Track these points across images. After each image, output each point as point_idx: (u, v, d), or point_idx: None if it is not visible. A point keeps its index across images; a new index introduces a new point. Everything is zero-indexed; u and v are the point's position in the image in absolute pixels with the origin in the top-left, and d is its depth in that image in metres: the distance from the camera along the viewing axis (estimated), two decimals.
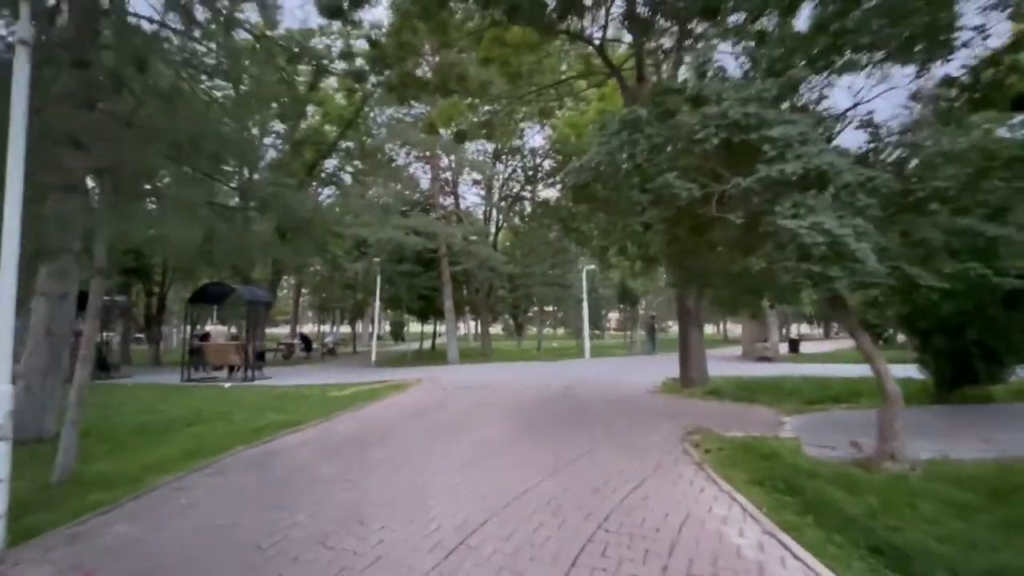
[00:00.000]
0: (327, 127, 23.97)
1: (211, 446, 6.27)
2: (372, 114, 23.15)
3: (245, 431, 7.24)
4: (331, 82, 23.13)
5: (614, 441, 5.98)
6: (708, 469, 4.94)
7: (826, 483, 4.29)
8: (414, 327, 41.19)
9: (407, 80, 11.56)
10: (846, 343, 31.07)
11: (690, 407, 8.08)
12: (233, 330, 19.34)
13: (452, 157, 26.98)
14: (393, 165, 25.89)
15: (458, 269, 21.41)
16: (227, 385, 13.97)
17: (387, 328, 52.35)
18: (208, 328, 19.90)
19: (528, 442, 5.88)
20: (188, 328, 15.42)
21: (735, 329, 60.42)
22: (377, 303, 21.31)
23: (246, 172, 14.03)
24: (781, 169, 3.78)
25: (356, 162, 24.84)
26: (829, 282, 3.83)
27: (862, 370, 12.35)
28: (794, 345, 19.45)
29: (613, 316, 52.04)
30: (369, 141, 20.62)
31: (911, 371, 10.12)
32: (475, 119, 13.07)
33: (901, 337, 24.55)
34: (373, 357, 20.62)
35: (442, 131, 21.49)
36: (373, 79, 12.30)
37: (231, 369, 15.25)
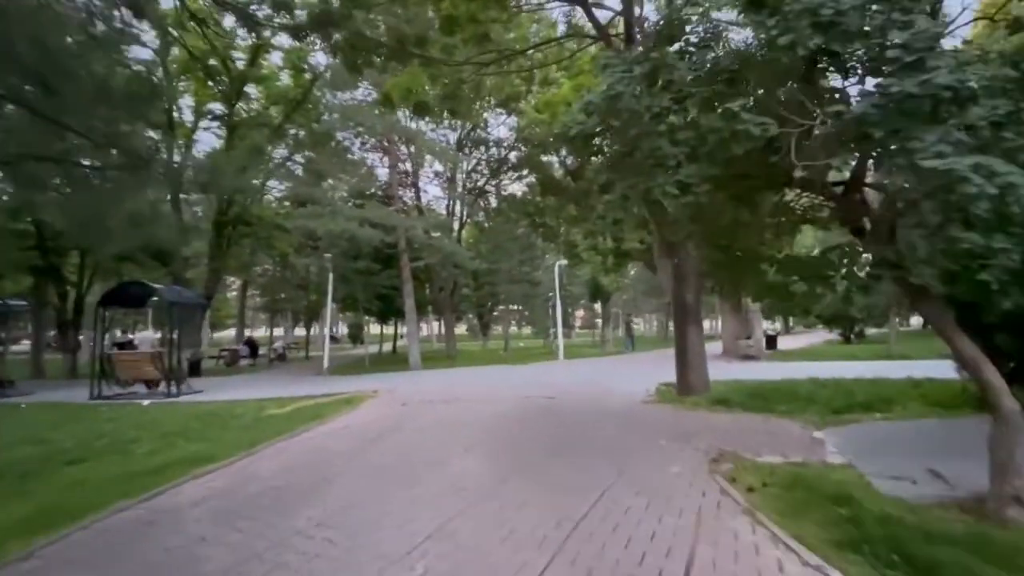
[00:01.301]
0: (272, 110, 21.69)
1: (78, 502, 4.51)
2: (323, 97, 21.02)
3: (139, 472, 5.46)
4: (275, 59, 20.92)
5: (627, 478, 4.56)
6: (768, 523, 3.58)
7: (958, 550, 3.00)
8: (374, 328, 39.00)
9: (357, 42, 9.82)
10: (812, 337, 31.16)
11: (699, 422, 6.78)
12: (157, 336, 16.88)
13: (412, 147, 25.15)
14: (349, 156, 23.77)
15: (419, 265, 19.63)
16: (146, 403, 11.86)
17: (344, 330, 49.59)
18: (134, 335, 17.36)
19: (515, 486, 4.37)
20: (99, 335, 13.00)
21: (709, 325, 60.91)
22: (330, 304, 19.27)
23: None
24: (925, 81, 2.42)
25: (307, 152, 22.58)
26: (992, 256, 2.51)
27: (866, 369, 11.58)
28: (771, 342, 18.77)
29: (578, 314, 51.23)
30: (318, 126, 18.53)
31: (906, 369, 9.34)
32: (437, 91, 11.46)
33: (871, 331, 24.60)
34: (325, 363, 18.61)
35: (400, 112, 19.70)
36: (317, 41, 10.51)
37: (150, 384, 12.99)
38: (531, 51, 10.23)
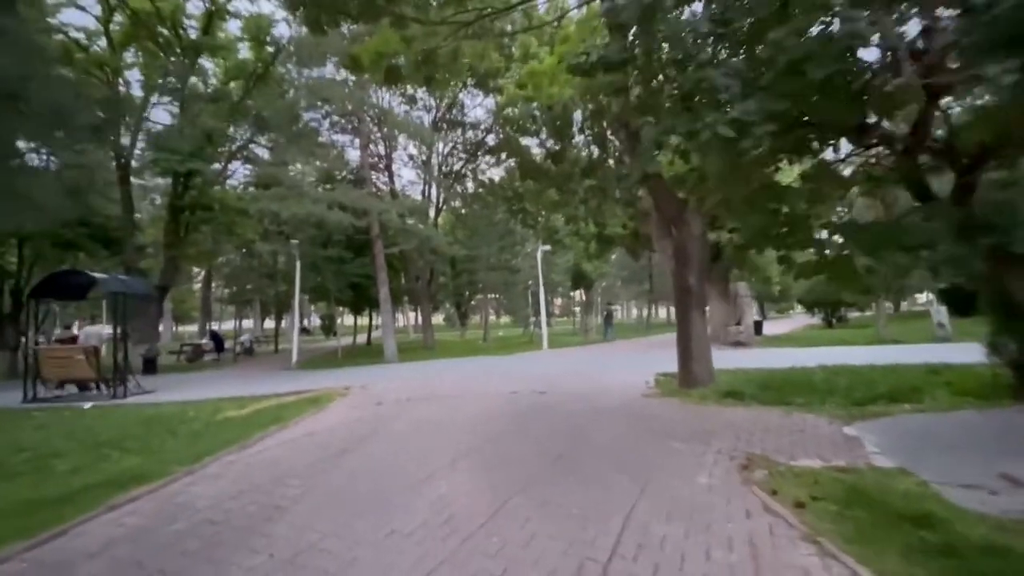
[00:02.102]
0: (232, 86, 20.03)
1: None
2: (288, 74, 19.47)
3: (49, 500, 4.45)
4: (233, 27, 19.24)
5: (650, 495, 3.76)
6: (841, 554, 2.83)
7: None
8: (349, 319, 37.64)
9: None
10: (791, 323, 31.17)
11: (713, 418, 6.04)
12: (108, 330, 15.30)
13: (384, 128, 23.79)
14: (318, 140, 22.24)
15: (394, 251, 18.50)
16: (87, 406, 10.59)
17: (317, 322, 47.87)
18: (77, 330, 15.77)
19: (517, 513, 3.51)
20: (31, 330, 11.56)
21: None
22: (298, 294, 18.00)
23: None
24: None
25: (271, 134, 20.96)
26: None
27: (866, 354, 11.02)
28: (757, 327, 18.38)
29: (556, 302, 50.66)
30: (282, 102, 17.07)
31: (904, 353, 8.66)
32: (412, 57, 10.37)
33: (854, 314, 24.65)
34: (294, 358, 17.41)
35: (372, 89, 18.39)
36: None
37: (83, 385, 11.60)
38: (518, 5, 9.23)
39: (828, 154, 3.39)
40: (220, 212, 18.19)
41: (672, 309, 55.06)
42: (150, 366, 17.26)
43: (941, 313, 13.33)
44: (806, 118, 2.93)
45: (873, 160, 3.73)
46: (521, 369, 12.16)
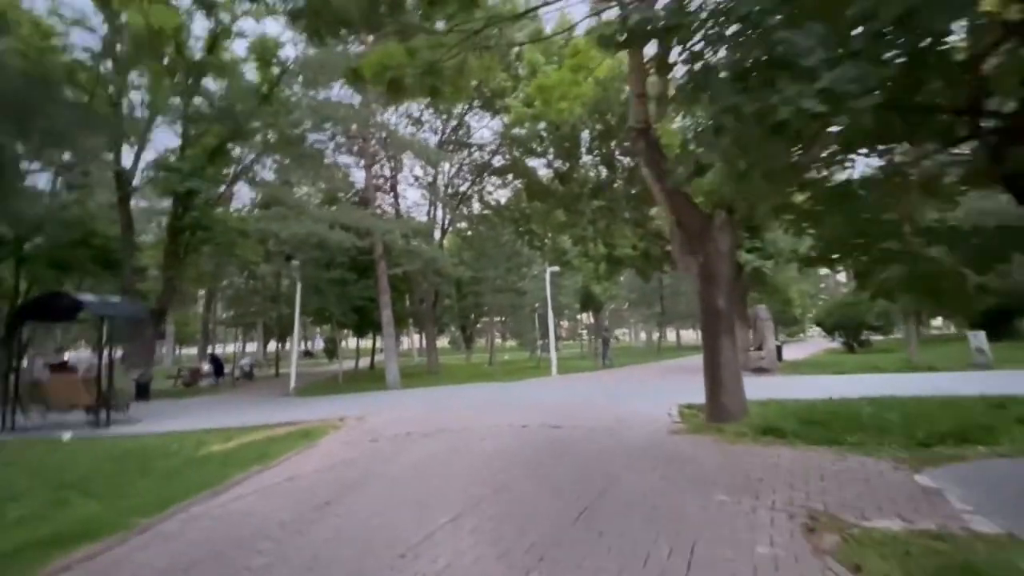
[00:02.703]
0: (238, 107, 19.83)
1: None
2: (293, 96, 19.27)
3: None
4: (239, 49, 19.13)
5: (699, 567, 2.99)
6: None
7: None
8: (353, 342, 36.96)
9: (320, 6, 8.27)
10: (806, 347, 30.00)
11: (755, 460, 5.25)
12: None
13: (390, 150, 23.54)
14: (322, 160, 21.97)
15: (398, 272, 17.92)
16: (67, 437, 9.94)
17: (320, 345, 47.20)
18: (69, 356, 15.19)
19: None
20: (11, 354, 10.96)
21: (689, 336, 59.55)
22: (298, 317, 17.38)
23: None
24: None
25: (277, 156, 20.65)
26: None
27: (902, 383, 10.16)
28: (778, 352, 17.49)
29: (563, 325, 49.77)
30: (286, 120, 16.77)
31: (943, 382, 7.98)
32: (416, 70, 9.94)
33: (876, 338, 23.64)
34: (292, 383, 16.68)
35: (377, 109, 18.11)
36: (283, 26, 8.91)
37: (88, 410, 11.05)
38: (526, 14, 8.80)
39: (925, 142, 2.75)
40: (220, 233, 17.76)
41: (683, 333, 53.76)
42: (143, 391, 16.58)
43: (979, 338, 12.46)
44: (913, 95, 2.29)
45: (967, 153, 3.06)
46: (530, 398, 11.37)
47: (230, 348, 60.83)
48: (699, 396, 9.16)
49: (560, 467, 5.27)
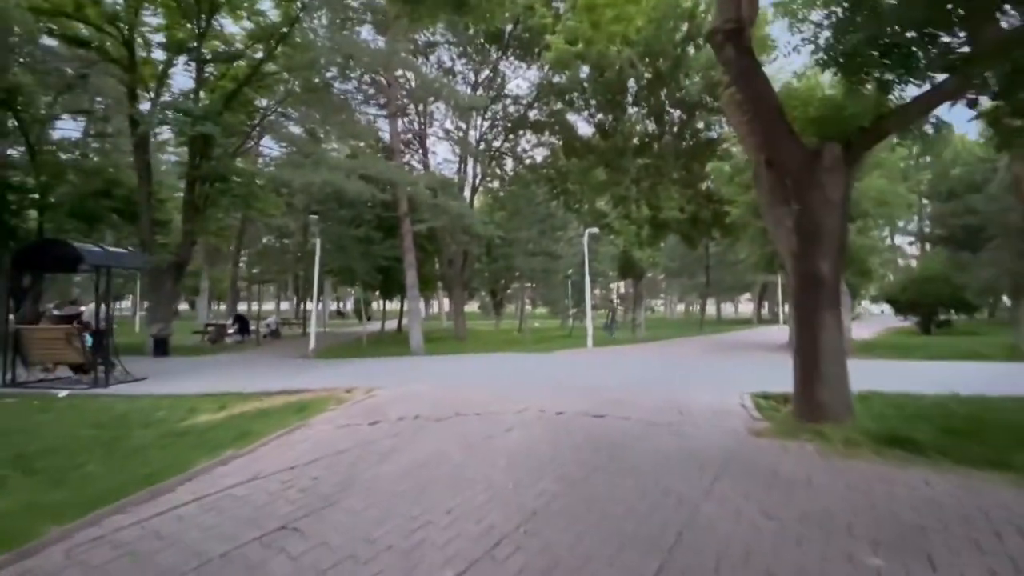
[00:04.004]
0: (256, 46, 18.38)
1: None
2: (311, 30, 17.62)
3: None
4: None
5: None
6: None
7: None
8: (385, 304, 36.44)
9: None
10: (871, 326, 27.14)
11: (897, 491, 3.66)
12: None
13: (417, 105, 21.86)
14: (349, 110, 20.45)
15: (422, 230, 16.56)
16: (63, 394, 9.28)
17: (351, 306, 47.05)
18: (83, 306, 14.61)
19: None
20: (6, 304, 10.25)
21: (728, 310, 56.57)
22: (317, 274, 16.36)
23: None
24: None
25: (301, 108, 19.22)
26: None
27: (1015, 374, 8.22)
28: None
29: (595, 292, 47.82)
30: (304, 58, 15.20)
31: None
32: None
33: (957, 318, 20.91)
34: (311, 345, 15.81)
35: (404, 46, 16.34)
36: None
37: (81, 369, 10.33)
38: None
39: None
40: (238, 185, 16.72)
41: (723, 307, 51.09)
42: (162, 347, 16.07)
43: None
44: None
45: None
46: (565, 374, 9.94)
47: (268, 306, 62.16)
48: (768, 381, 7.58)
49: (609, 484, 3.82)
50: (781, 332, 23.61)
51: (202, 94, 17.95)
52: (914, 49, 4.80)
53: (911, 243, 34.51)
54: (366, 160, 14.45)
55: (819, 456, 4.42)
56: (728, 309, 55.24)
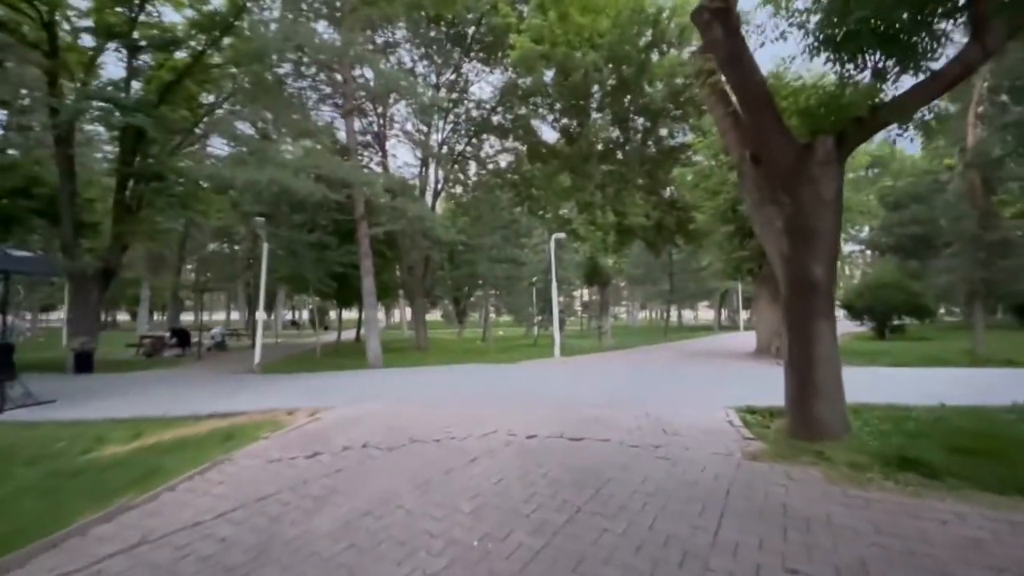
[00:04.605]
0: (200, 36, 17.00)
1: None
2: (257, 15, 16.42)
3: None
4: None
5: None
6: None
7: None
8: (345, 312, 34.88)
9: None
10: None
11: (928, 528, 3.13)
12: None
13: (377, 105, 20.93)
14: (302, 108, 19.24)
15: (379, 233, 15.60)
16: None
17: (307, 315, 44.93)
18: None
19: None
20: None
21: (688, 316, 57.51)
22: (263, 281, 15.08)
23: None
24: None
25: (250, 106, 17.87)
26: None
27: (1006, 381, 8.05)
28: None
29: (559, 300, 47.56)
30: (251, 48, 14.01)
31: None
32: None
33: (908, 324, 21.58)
34: (256, 358, 14.49)
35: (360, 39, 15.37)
36: None
37: None
38: None
39: None
40: (176, 184, 15.27)
41: (684, 314, 51.76)
42: (84, 363, 14.41)
43: None
44: None
45: None
46: (534, 387, 9.24)
47: (219, 316, 58.76)
48: (749, 393, 7.13)
49: (596, 532, 3.13)
50: (745, 339, 23.79)
51: (136, 85, 16.46)
52: (910, 38, 4.42)
53: (860, 251, 35.95)
54: (318, 158, 13.37)
55: (827, 484, 3.87)
56: (687, 315, 56.24)
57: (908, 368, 10.50)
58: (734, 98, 5.45)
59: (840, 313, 23.75)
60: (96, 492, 4.27)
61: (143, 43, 14.93)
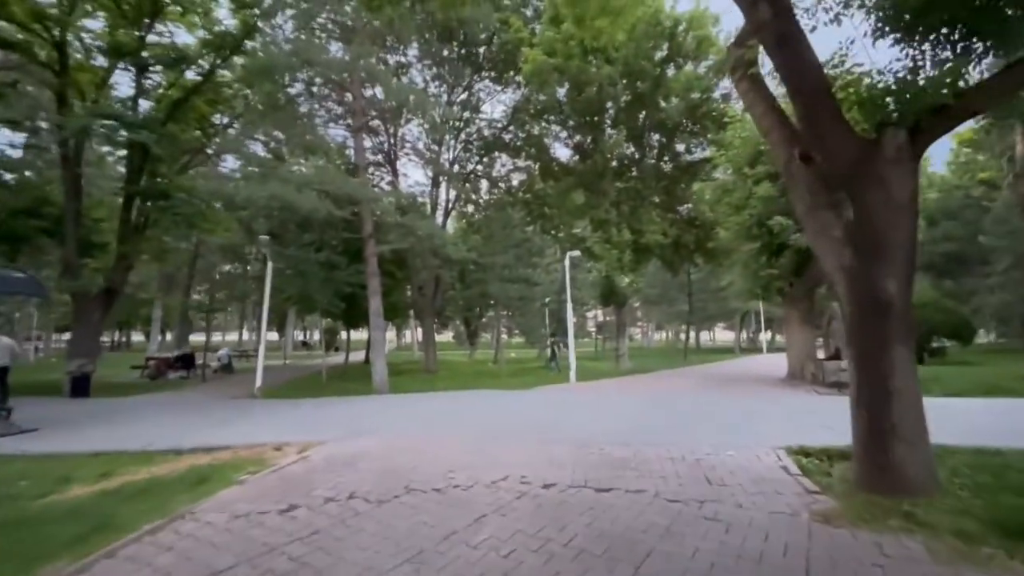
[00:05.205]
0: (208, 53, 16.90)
1: None
2: (268, 33, 16.29)
3: None
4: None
5: None
6: None
7: None
8: (357, 333, 34.34)
9: None
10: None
11: None
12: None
13: (387, 125, 20.70)
14: (312, 127, 19.05)
15: (386, 251, 15.01)
16: None
17: (318, 336, 44.51)
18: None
19: None
20: None
21: (705, 337, 55.48)
22: (267, 301, 14.53)
23: None
24: None
25: (262, 127, 17.69)
26: None
27: None
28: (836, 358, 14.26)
29: (573, 321, 46.59)
30: (258, 61, 13.74)
31: None
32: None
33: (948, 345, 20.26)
34: (258, 382, 13.85)
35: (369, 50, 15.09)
36: None
37: None
38: None
39: None
40: (183, 203, 14.93)
41: (702, 335, 50.75)
42: (81, 387, 13.90)
43: None
44: None
45: None
46: (550, 419, 8.38)
47: (231, 336, 58.69)
48: (791, 426, 6.24)
49: None
50: (771, 362, 22.60)
51: (147, 104, 16.33)
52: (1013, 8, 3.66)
53: None
54: (324, 174, 12.90)
55: (934, 563, 2.99)
56: (704, 337, 54.74)
57: (966, 398, 9.44)
58: (782, 91, 4.73)
59: None
60: (26, 553, 3.56)
61: (151, 61, 14.77)
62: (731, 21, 18.81)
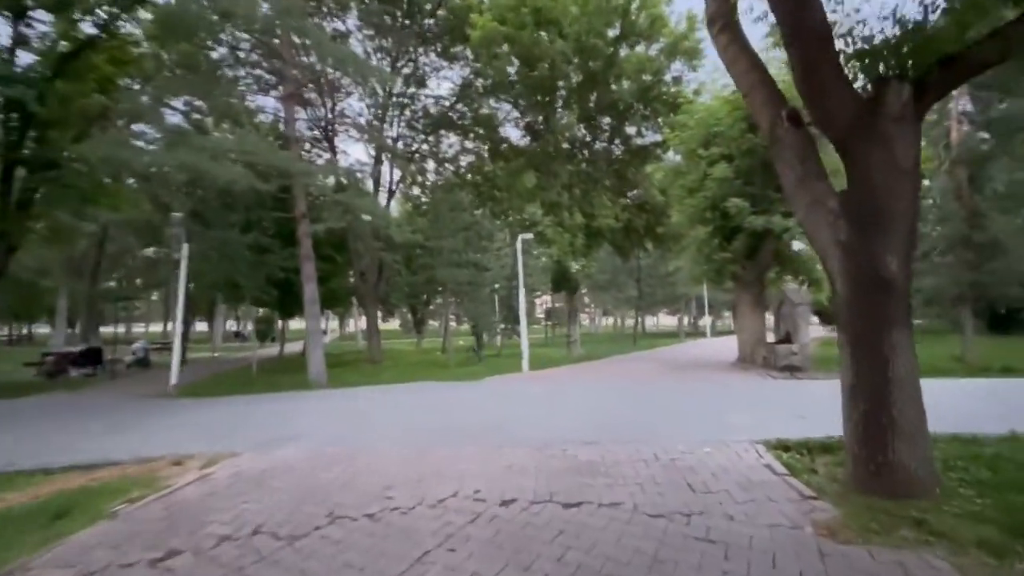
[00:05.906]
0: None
1: None
2: None
3: None
4: None
5: None
6: None
7: None
8: (298, 323, 32.16)
9: None
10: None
11: None
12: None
13: (325, 93, 19.05)
14: (236, 92, 17.08)
15: (320, 230, 13.69)
16: None
17: (249, 327, 41.52)
18: None
19: None
20: None
21: (665, 321, 57.01)
22: (183, 286, 12.82)
23: None
24: None
25: (179, 94, 15.52)
26: None
27: (1010, 390, 6.52)
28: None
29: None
30: (169, 9, 11.86)
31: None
32: None
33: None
34: (173, 379, 12.24)
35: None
36: None
37: None
38: None
39: None
40: (76, 174, 12.83)
41: (647, 320, 51.97)
42: None
43: None
44: None
45: None
46: (504, 415, 7.64)
47: (156, 327, 53.78)
48: (758, 415, 5.84)
49: None
50: (717, 345, 23.05)
51: (29, 57, 13.91)
52: None
53: None
54: (245, 143, 11.33)
55: None
56: (649, 322, 56.05)
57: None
58: (771, 41, 4.12)
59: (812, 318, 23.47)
60: None
61: (31, 3, 12.46)
62: (683, 2, 18.58)
